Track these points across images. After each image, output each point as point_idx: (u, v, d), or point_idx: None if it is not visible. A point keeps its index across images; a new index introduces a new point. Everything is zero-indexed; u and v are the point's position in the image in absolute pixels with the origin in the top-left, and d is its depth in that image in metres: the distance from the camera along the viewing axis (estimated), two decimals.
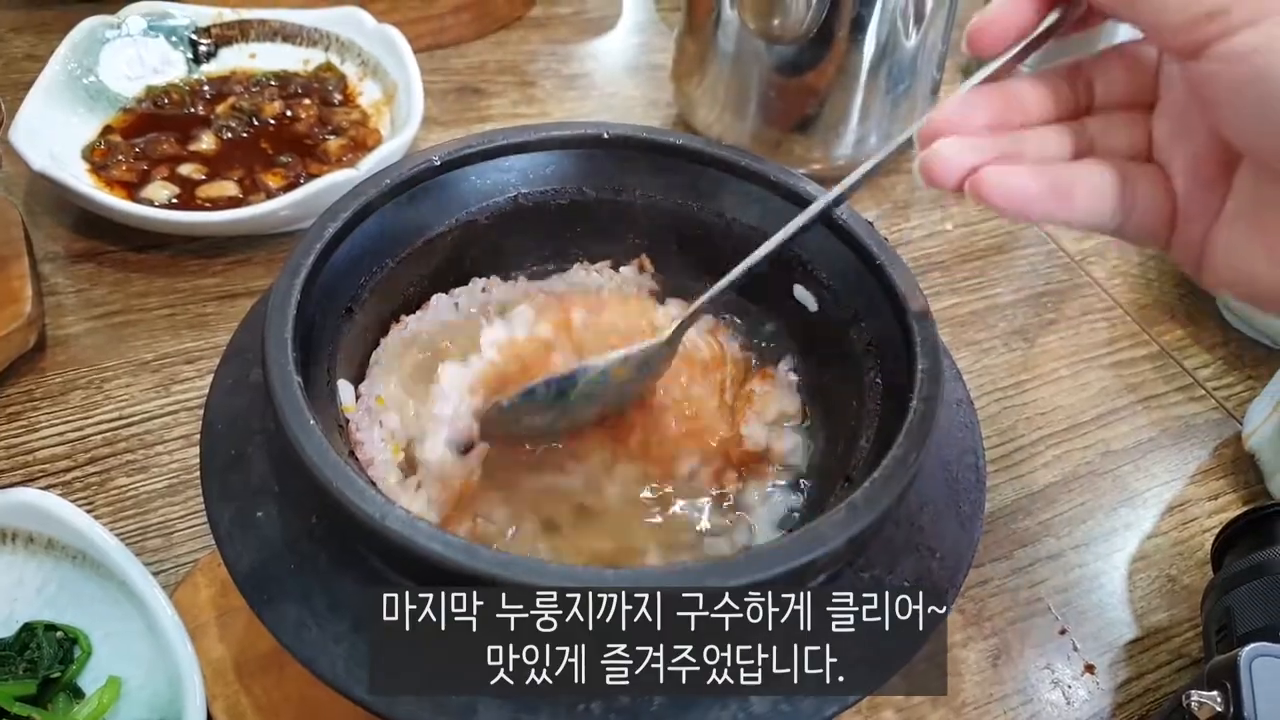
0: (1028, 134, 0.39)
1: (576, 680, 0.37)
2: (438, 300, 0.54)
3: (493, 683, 0.37)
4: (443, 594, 0.38)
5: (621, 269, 0.58)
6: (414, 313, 0.54)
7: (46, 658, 0.51)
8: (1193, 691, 0.45)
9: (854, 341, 0.49)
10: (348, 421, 0.47)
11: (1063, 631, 0.61)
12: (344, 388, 0.47)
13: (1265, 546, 0.55)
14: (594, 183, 0.54)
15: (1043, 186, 0.37)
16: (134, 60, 0.86)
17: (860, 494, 0.38)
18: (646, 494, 0.49)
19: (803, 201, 0.51)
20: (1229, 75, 0.32)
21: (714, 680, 0.38)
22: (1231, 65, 0.32)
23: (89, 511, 0.58)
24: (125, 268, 0.76)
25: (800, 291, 0.52)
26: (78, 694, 0.51)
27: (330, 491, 0.37)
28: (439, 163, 0.50)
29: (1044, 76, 0.42)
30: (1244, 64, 0.31)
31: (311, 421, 0.39)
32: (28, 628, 0.52)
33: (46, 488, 0.61)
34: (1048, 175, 0.37)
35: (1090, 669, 0.59)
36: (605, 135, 0.53)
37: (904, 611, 0.41)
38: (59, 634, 0.52)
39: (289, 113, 0.85)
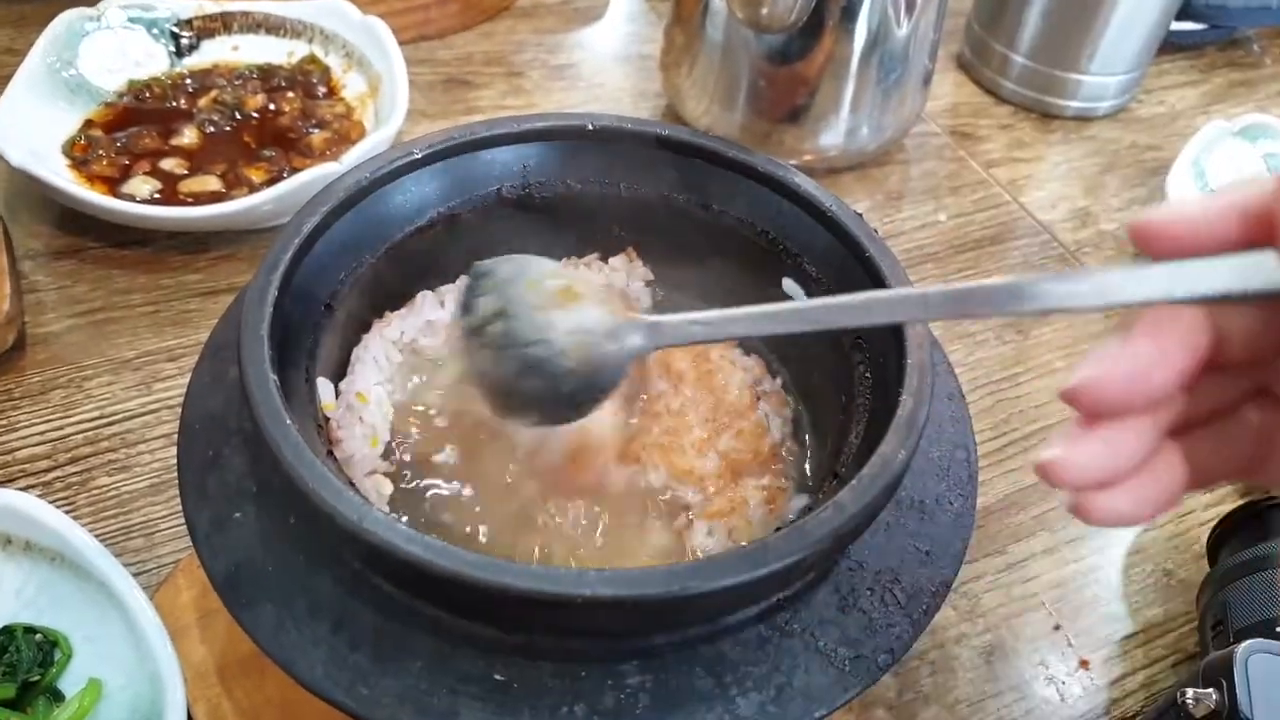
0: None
1: (559, 682, 0.37)
2: (423, 297, 0.54)
3: (473, 684, 0.36)
4: (421, 595, 0.38)
5: (611, 260, 0.57)
6: (398, 309, 0.53)
7: (26, 661, 0.50)
8: (1189, 688, 0.45)
9: (842, 335, 0.48)
10: (327, 420, 0.46)
11: (1057, 627, 0.60)
12: (323, 385, 0.46)
13: (1261, 540, 0.54)
14: (579, 175, 0.53)
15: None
16: (115, 53, 0.84)
17: (848, 492, 0.37)
18: (643, 494, 0.48)
19: (790, 193, 0.50)
20: None
21: (700, 682, 0.37)
22: None
23: (70, 512, 0.58)
24: (107, 264, 0.75)
25: (789, 284, 0.52)
26: (58, 697, 0.51)
27: (307, 493, 0.36)
28: (420, 156, 0.49)
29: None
30: None
31: (288, 421, 0.38)
32: (6, 630, 0.51)
33: (26, 488, 0.61)
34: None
35: (1085, 665, 0.59)
36: (590, 126, 0.52)
37: (894, 609, 0.41)
38: (38, 636, 0.51)
39: (272, 106, 0.84)
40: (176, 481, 0.43)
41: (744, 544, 0.45)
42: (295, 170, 0.78)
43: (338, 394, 0.48)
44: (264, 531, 0.40)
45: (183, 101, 0.84)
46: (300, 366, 0.45)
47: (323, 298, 0.47)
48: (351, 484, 0.38)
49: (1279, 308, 0.29)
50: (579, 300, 0.41)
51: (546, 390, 0.40)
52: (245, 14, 0.90)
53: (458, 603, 0.37)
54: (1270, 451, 0.32)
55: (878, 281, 0.46)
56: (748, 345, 0.55)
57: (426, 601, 0.37)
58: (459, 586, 0.34)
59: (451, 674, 0.37)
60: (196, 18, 0.89)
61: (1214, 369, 0.30)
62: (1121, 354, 0.29)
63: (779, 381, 0.54)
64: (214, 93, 0.85)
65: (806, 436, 0.53)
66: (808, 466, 0.51)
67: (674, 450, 0.49)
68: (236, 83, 0.86)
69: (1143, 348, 0.29)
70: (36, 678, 0.50)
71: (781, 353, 0.55)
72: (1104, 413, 0.30)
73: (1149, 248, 0.30)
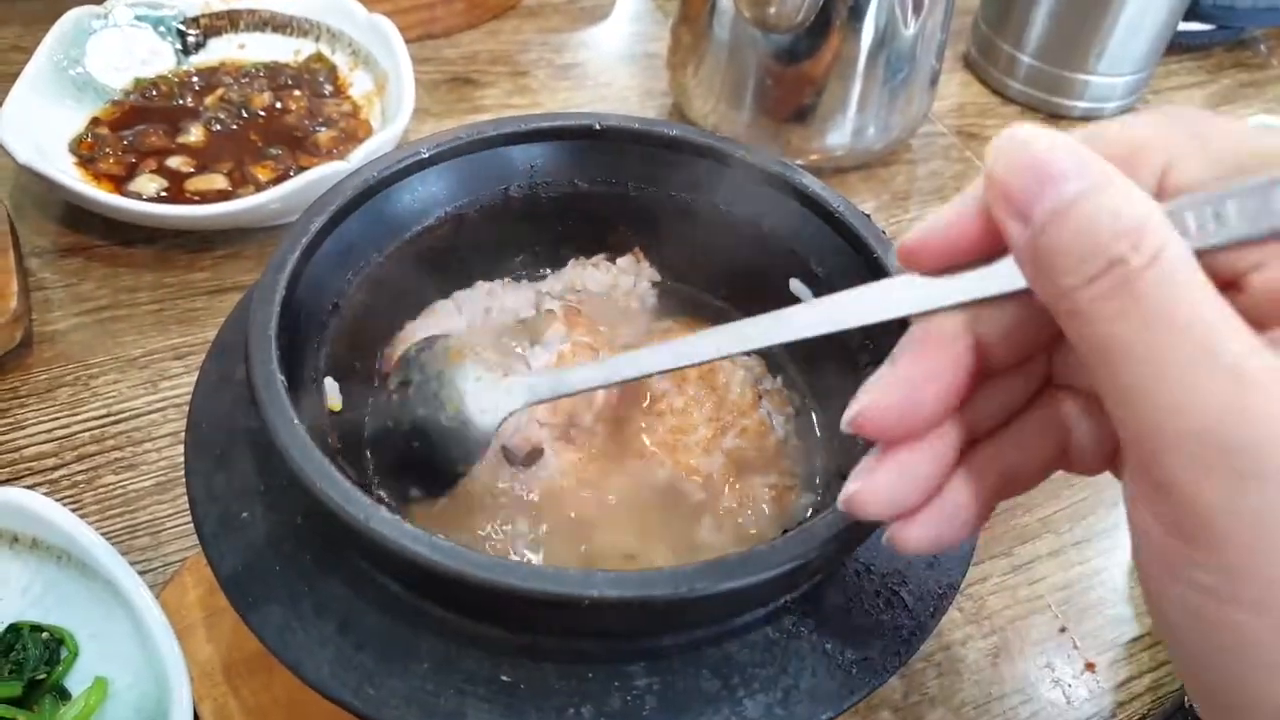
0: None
1: (565, 683, 0.37)
2: (441, 306, 0.54)
3: (480, 685, 0.36)
4: (428, 595, 0.38)
5: (619, 261, 0.57)
6: (415, 319, 0.53)
7: (32, 659, 0.50)
8: None
9: (850, 336, 0.48)
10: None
11: (1063, 629, 0.60)
12: (330, 386, 0.46)
13: None
14: (586, 174, 0.53)
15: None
16: (121, 51, 0.84)
17: None
18: (655, 498, 0.48)
19: (796, 193, 0.50)
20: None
21: (707, 684, 0.37)
22: None
23: (76, 510, 0.58)
24: (113, 262, 0.75)
25: (796, 284, 0.52)
26: (64, 695, 0.51)
27: (314, 492, 0.36)
28: (427, 155, 0.49)
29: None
30: None
31: (295, 421, 0.38)
32: (13, 629, 0.51)
33: (33, 486, 0.61)
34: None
35: (1091, 667, 0.59)
36: (597, 126, 0.52)
37: (900, 612, 0.41)
38: (45, 635, 0.51)
39: (279, 104, 0.84)
40: (183, 480, 0.43)
41: (752, 541, 0.45)
42: (302, 169, 0.78)
43: (343, 394, 0.47)
44: (271, 531, 0.40)
45: (189, 99, 0.84)
46: (307, 366, 0.45)
47: (330, 297, 0.47)
48: (359, 484, 0.38)
49: (1026, 306, 0.29)
50: (463, 359, 0.45)
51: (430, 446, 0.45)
52: (252, 12, 0.90)
53: (464, 603, 0.37)
54: (1070, 439, 0.32)
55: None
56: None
57: (433, 602, 0.37)
58: (465, 587, 0.34)
59: (458, 675, 0.37)
60: (203, 15, 0.89)
61: (991, 375, 0.31)
62: (892, 380, 0.30)
63: (779, 380, 0.54)
64: (220, 91, 0.85)
65: (815, 433, 0.52)
66: (817, 463, 0.51)
67: (679, 448, 0.49)
68: (243, 81, 0.86)
69: (909, 370, 0.30)
70: (43, 676, 0.50)
71: (789, 351, 0.55)
72: (890, 440, 0.30)
73: (919, 266, 0.31)
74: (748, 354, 0.53)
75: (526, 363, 0.51)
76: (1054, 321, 0.27)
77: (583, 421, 0.50)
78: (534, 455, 0.48)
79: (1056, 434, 0.32)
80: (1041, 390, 0.33)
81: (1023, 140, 0.26)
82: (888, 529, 0.31)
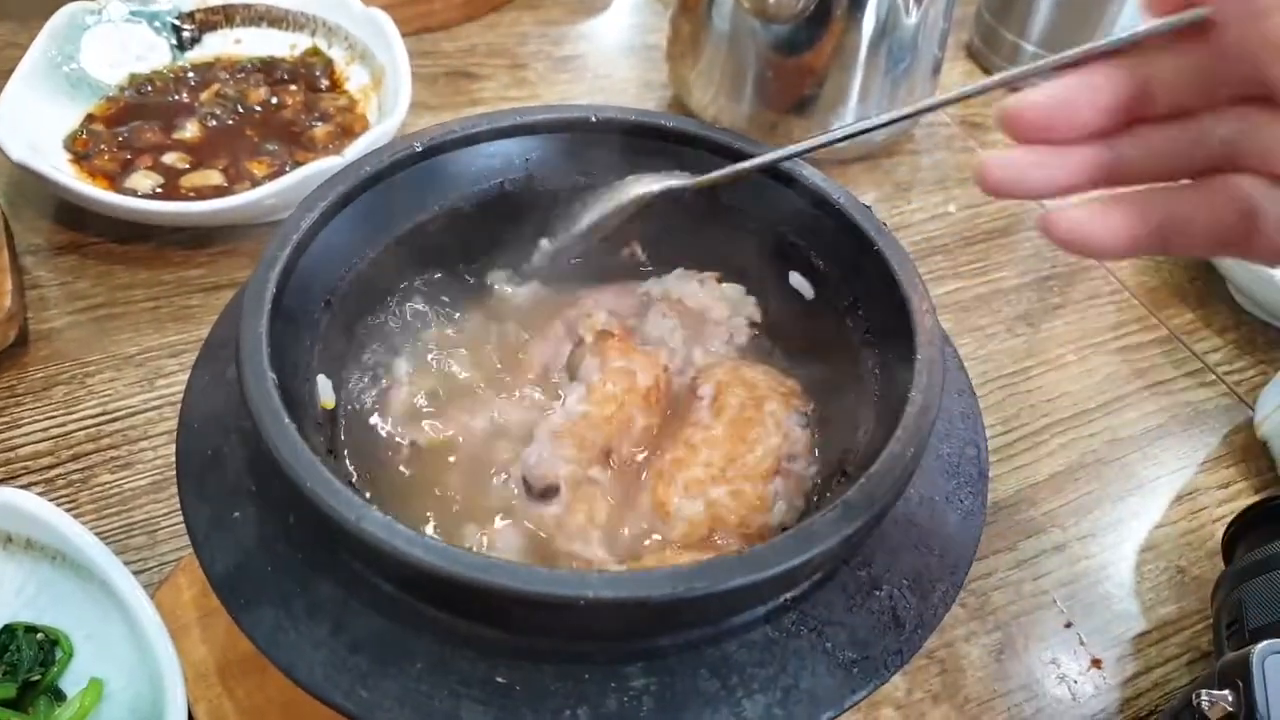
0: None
1: (562, 684, 0.36)
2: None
3: (475, 687, 0.36)
4: (422, 596, 0.37)
5: (724, 286, 0.55)
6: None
7: (26, 660, 0.50)
8: (1204, 690, 0.44)
9: (851, 330, 0.47)
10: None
11: (1068, 625, 0.60)
12: (323, 383, 0.45)
13: (1278, 538, 0.53)
14: (583, 167, 0.53)
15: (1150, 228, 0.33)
16: (116, 47, 0.84)
17: (856, 491, 0.36)
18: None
19: (797, 185, 0.49)
20: None
21: (705, 684, 0.36)
22: None
23: (72, 509, 0.58)
24: (109, 260, 0.74)
25: (796, 279, 0.51)
26: (59, 696, 0.50)
27: (305, 492, 0.35)
28: (420, 149, 0.48)
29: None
30: None
31: (286, 420, 0.37)
32: (7, 629, 0.51)
33: (29, 485, 0.60)
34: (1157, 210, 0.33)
35: (1097, 663, 0.58)
36: (593, 119, 0.51)
37: (902, 609, 0.40)
38: (39, 635, 0.51)
39: (275, 99, 0.84)
40: None
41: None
42: (298, 164, 0.77)
43: (337, 391, 0.47)
44: (263, 531, 0.40)
45: (185, 95, 0.84)
46: (300, 364, 0.44)
47: (323, 294, 0.46)
48: (350, 483, 0.38)
49: (1193, 58, 0.32)
50: None
51: None
52: (247, 7, 0.89)
53: (458, 604, 0.36)
54: (1258, 218, 0.32)
55: (886, 274, 0.45)
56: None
57: (427, 603, 0.37)
58: (459, 588, 0.33)
59: (453, 676, 0.36)
60: (198, 11, 0.88)
61: (1146, 119, 0.33)
62: (1050, 86, 0.33)
63: (813, 469, 0.49)
64: (216, 86, 0.84)
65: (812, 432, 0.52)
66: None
67: (664, 479, 0.47)
68: (239, 76, 0.86)
69: (1068, 80, 0.33)
70: (37, 677, 0.50)
71: (791, 349, 0.54)
72: (1035, 140, 0.33)
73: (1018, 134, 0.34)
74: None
75: (561, 400, 0.50)
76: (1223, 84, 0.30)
77: (620, 450, 0.48)
78: (550, 492, 0.47)
79: (1236, 204, 0.32)
80: (1213, 170, 0.33)
81: None
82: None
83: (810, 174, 0.49)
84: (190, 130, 0.80)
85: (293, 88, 0.85)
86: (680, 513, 0.46)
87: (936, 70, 0.89)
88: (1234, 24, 0.29)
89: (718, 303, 0.54)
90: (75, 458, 0.62)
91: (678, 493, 0.46)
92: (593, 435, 0.48)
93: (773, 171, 0.50)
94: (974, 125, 0.98)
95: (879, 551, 0.41)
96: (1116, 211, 0.33)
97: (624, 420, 0.49)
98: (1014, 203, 0.90)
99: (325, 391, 0.45)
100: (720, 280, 0.55)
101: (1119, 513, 0.66)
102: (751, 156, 0.50)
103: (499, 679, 0.36)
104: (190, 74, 0.86)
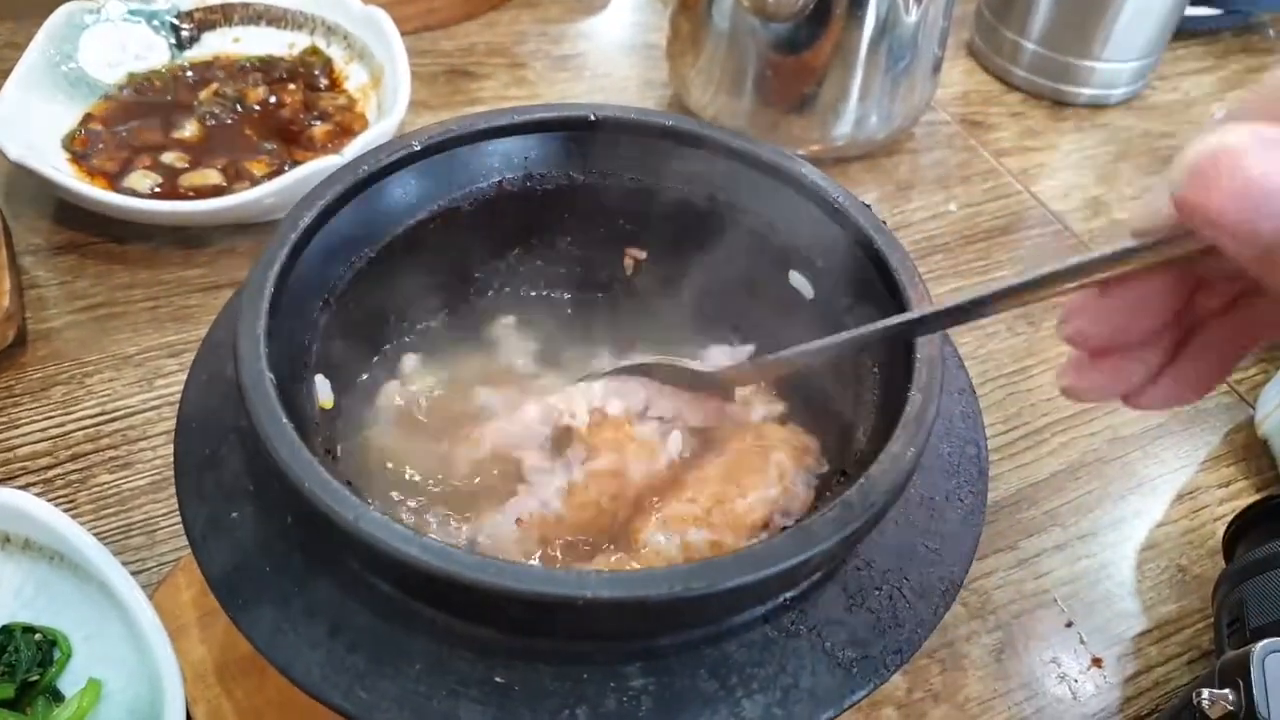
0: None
1: (560, 684, 0.36)
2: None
3: (473, 687, 0.36)
4: (420, 597, 0.37)
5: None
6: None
7: (25, 660, 0.50)
8: (1204, 689, 0.44)
9: (851, 329, 0.47)
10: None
11: (1069, 624, 0.59)
12: (321, 383, 0.45)
13: (1279, 536, 0.53)
14: (582, 166, 0.53)
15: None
16: (114, 46, 0.84)
17: (855, 490, 0.36)
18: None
19: (797, 184, 0.49)
20: None
21: (704, 684, 0.36)
22: None
23: (70, 509, 0.58)
24: (108, 259, 0.74)
25: (795, 277, 0.51)
26: (57, 697, 0.50)
27: (303, 492, 0.35)
28: (418, 148, 0.48)
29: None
30: None
31: (284, 420, 0.37)
32: (5, 630, 0.51)
33: (27, 485, 0.60)
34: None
35: (1098, 662, 0.58)
36: (592, 117, 0.51)
37: (902, 608, 0.40)
38: (38, 636, 0.51)
39: (274, 98, 0.83)
40: None
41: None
42: (297, 163, 0.77)
43: (335, 391, 0.47)
44: (261, 531, 0.40)
45: (183, 94, 0.84)
46: (298, 363, 0.44)
47: (321, 293, 0.46)
48: (349, 483, 0.38)
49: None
50: None
51: None
52: (246, 5, 0.89)
53: (457, 604, 0.36)
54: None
55: (885, 272, 0.45)
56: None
57: (425, 603, 0.37)
58: (457, 588, 0.33)
59: (451, 676, 0.36)
60: (197, 10, 0.88)
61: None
62: (1102, 308, 0.31)
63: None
64: (215, 85, 0.84)
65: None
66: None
67: (643, 511, 0.46)
68: (238, 75, 0.86)
69: (1121, 299, 0.31)
70: (36, 677, 0.50)
71: (791, 343, 0.53)
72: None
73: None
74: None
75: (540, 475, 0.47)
76: None
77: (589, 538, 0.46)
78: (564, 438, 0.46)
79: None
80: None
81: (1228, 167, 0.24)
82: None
83: (809, 173, 0.49)
84: (189, 129, 0.80)
85: (291, 87, 0.84)
86: (650, 544, 0.44)
87: (937, 69, 0.89)
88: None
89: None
90: (74, 458, 0.62)
91: (655, 526, 0.44)
92: (560, 532, 0.46)
93: (773, 171, 0.50)
94: (974, 124, 0.98)
95: (879, 551, 0.41)
96: (1187, 372, 0.32)
97: (601, 521, 0.46)
98: (1015, 201, 0.90)
99: (324, 392, 0.45)
100: (783, 423, 0.51)
101: (1120, 511, 0.66)
102: (753, 156, 0.50)
103: (497, 679, 0.36)
104: (189, 73, 0.85)
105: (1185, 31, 1.07)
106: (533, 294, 0.57)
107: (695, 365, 0.48)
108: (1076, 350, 0.32)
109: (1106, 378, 0.32)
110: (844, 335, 0.41)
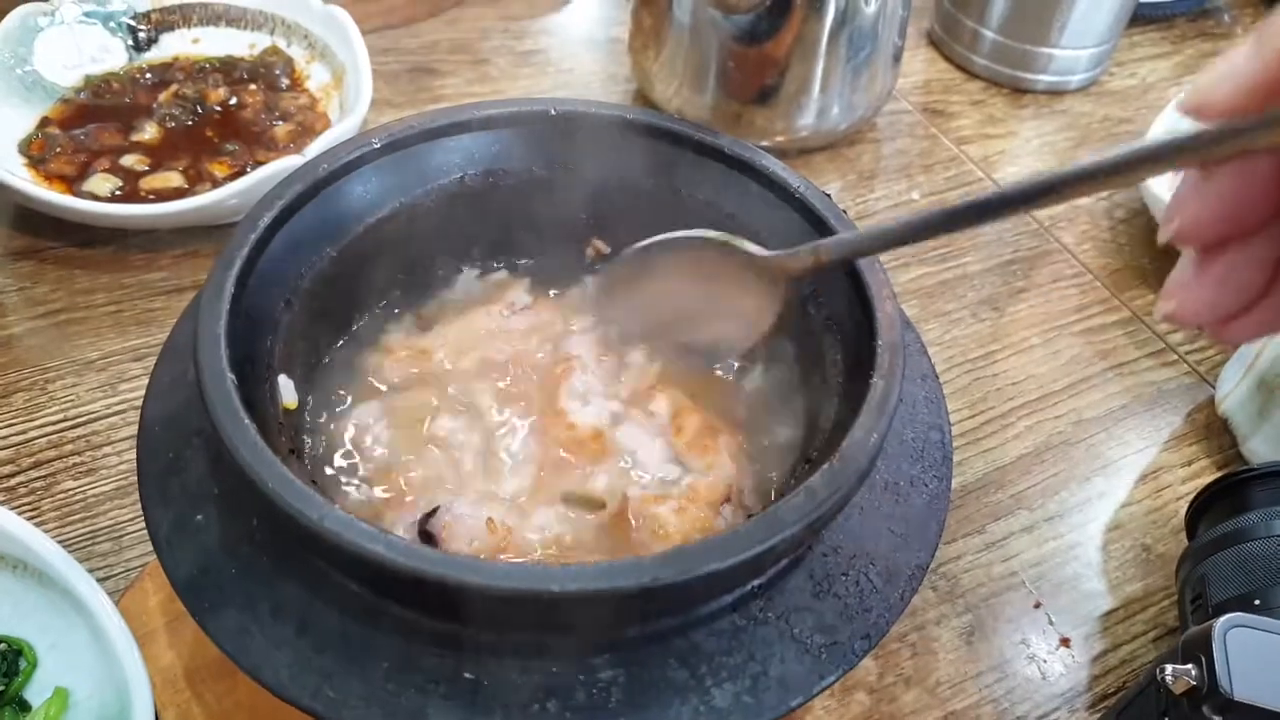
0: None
1: (529, 678, 0.36)
2: None
3: (442, 684, 0.36)
4: (386, 594, 0.37)
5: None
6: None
7: None
8: (1168, 664, 0.44)
9: (813, 318, 0.47)
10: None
11: (1037, 605, 0.60)
12: (285, 384, 0.45)
13: (1239, 513, 0.54)
14: (543, 161, 0.52)
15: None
16: (70, 49, 0.83)
17: (819, 477, 0.36)
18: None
19: (757, 175, 0.49)
20: None
21: (674, 674, 0.37)
22: None
23: (34, 517, 0.57)
24: (68, 264, 0.73)
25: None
26: (24, 707, 0.50)
27: (266, 493, 0.35)
28: (379, 145, 0.48)
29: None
30: None
31: (246, 421, 0.37)
32: None
33: None
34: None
35: (1066, 642, 0.59)
36: (553, 112, 0.51)
37: (869, 594, 0.40)
38: (3, 646, 0.50)
39: (234, 99, 0.83)
40: None
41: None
42: (259, 164, 0.76)
43: (299, 390, 0.46)
44: (226, 534, 0.39)
45: (142, 96, 0.83)
46: (260, 364, 0.44)
47: (282, 293, 0.46)
48: (313, 482, 0.38)
49: None
50: None
51: None
52: (205, 6, 0.88)
53: (423, 601, 0.36)
54: None
55: (845, 261, 0.45)
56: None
57: (392, 600, 0.37)
58: (423, 585, 0.33)
59: (419, 673, 0.36)
60: (154, 10, 0.87)
61: None
62: (1211, 190, 0.28)
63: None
64: (174, 87, 0.83)
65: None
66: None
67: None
68: (197, 76, 0.85)
69: (1231, 180, 0.28)
70: (1, 688, 0.49)
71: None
72: (1208, 246, 0.29)
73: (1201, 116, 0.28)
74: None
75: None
76: None
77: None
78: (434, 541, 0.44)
79: None
80: None
81: None
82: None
83: (769, 163, 0.49)
84: (149, 132, 0.79)
85: (252, 87, 0.84)
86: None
87: (897, 59, 0.90)
88: None
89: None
90: (37, 465, 0.62)
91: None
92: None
93: (733, 162, 0.50)
94: (936, 112, 0.99)
95: (845, 537, 0.41)
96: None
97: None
98: (977, 188, 0.90)
99: (287, 392, 0.45)
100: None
101: (1085, 493, 0.67)
102: (717, 149, 0.50)
103: (466, 675, 0.36)
104: (148, 75, 0.84)
105: (1141, 18, 1.09)
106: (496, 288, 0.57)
107: (751, 248, 0.45)
108: (1187, 251, 0.30)
109: (1212, 290, 0.29)
110: (923, 214, 0.39)
